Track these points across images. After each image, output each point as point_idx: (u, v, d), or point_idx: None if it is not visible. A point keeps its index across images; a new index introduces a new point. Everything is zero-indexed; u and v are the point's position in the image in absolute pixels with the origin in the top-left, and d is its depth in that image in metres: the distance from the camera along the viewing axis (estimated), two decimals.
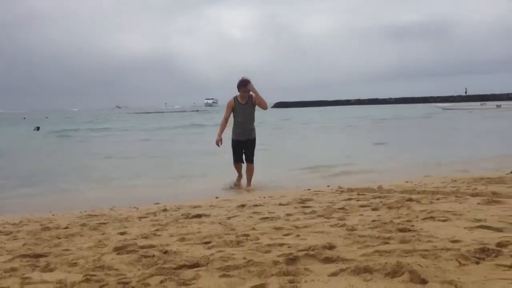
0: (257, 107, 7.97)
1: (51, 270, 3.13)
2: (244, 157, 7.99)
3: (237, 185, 8.06)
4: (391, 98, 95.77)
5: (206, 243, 3.71)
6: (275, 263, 2.91)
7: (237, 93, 7.95)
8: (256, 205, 5.65)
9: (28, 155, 16.25)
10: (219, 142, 7.80)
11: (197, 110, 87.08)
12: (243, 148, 7.94)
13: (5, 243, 4.19)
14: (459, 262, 2.69)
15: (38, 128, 34.14)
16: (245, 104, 7.87)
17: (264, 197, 6.37)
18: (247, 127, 7.93)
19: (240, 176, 8.13)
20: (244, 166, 8.08)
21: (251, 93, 7.84)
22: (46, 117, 67.94)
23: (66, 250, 3.74)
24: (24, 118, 64.99)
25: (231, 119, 8.00)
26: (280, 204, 5.61)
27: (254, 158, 7.98)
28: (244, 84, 7.78)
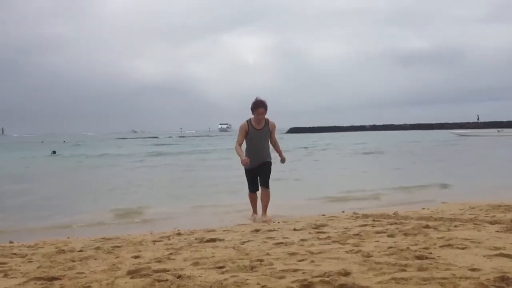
0: None
1: None
2: (260, 181, 7.08)
3: (253, 219, 7.16)
4: (406, 124, 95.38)
5: (220, 267, 3.68)
6: None
7: (250, 115, 7.07)
8: (270, 230, 5.61)
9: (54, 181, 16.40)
10: (246, 161, 6.80)
11: (210, 135, 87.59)
12: (258, 173, 7.09)
13: (20, 266, 4.20)
14: None
15: (54, 152, 34.59)
16: (260, 130, 7.01)
17: (279, 222, 6.33)
18: (261, 154, 7.06)
19: (254, 211, 7.27)
20: (258, 194, 7.23)
21: (267, 116, 7.04)
22: (64, 141, 68.77)
23: (80, 273, 3.74)
24: (42, 142, 65.92)
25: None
26: (294, 230, 5.57)
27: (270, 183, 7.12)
28: (259, 106, 6.86)
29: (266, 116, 7.04)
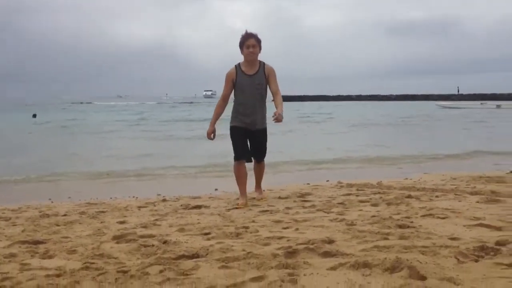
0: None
1: (50, 257, 3.14)
2: (252, 152, 5.47)
3: (240, 205, 5.15)
4: (392, 95, 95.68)
5: (206, 234, 3.72)
6: (274, 255, 2.92)
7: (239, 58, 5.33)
8: (254, 198, 5.65)
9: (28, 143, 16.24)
10: (211, 134, 5.38)
11: (191, 102, 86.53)
12: (250, 141, 5.40)
13: (4, 229, 4.19)
14: (458, 260, 2.69)
15: (35, 116, 34.17)
16: (253, 75, 5.25)
17: (264, 190, 6.36)
18: (256, 111, 5.29)
19: (242, 193, 5.34)
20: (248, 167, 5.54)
21: (261, 60, 5.32)
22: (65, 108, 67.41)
23: (65, 237, 3.75)
24: (26, 105, 64.89)
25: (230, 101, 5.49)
26: (279, 198, 5.62)
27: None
28: (248, 36, 5.21)
29: (261, 59, 5.34)
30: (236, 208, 5.06)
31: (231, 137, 5.35)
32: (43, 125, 25.71)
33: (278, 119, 4.98)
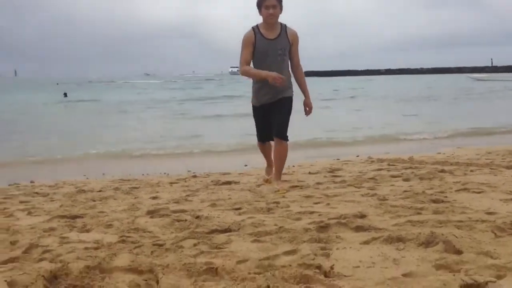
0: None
1: (87, 231, 3.23)
2: (273, 127, 4.69)
3: (267, 181, 5.03)
4: (422, 68, 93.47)
5: (237, 209, 3.75)
6: (306, 230, 2.93)
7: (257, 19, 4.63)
8: (285, 174, 5.64)
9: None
10: (278, 76, 4.41)
11: (212, 79, 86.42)
12: (271, 115, 4.69)
13: (42, 204, 4.33)
14: (495, 234, 2.64)
15: (65, 95, 34.87)
16: (274, 40, 4.58)
17: (293, 166, 6.37)
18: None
19: (269, 165, 5.13)
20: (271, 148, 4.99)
21: (282, 23, 4.64)
22: (57, 84, 68.53)
23: (101, 212, 3.85)
24: (57, 84, 66.29)
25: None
26: (309, 173, 5.61)
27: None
28: None
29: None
30: (265, 182, 4.98)
31: (253, 116, 4.94)
32: (74, 104, 26.22)
33: (310, 111, 4.75)
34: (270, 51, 4.55)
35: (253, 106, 4.88)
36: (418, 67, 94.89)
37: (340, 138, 10.21)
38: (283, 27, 4.64)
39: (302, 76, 4.78)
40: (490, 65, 78.27)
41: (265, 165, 5.26)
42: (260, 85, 4.65)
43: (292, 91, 4.73)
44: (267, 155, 5.13)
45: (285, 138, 4.62)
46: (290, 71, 4.76)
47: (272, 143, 4.83)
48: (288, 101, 4.67)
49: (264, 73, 4.45)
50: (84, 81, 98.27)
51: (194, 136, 11.26)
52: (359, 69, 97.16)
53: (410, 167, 5.64)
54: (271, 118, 4.68)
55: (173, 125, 14.71)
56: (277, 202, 3.91)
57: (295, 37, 4.69)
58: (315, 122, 14.09)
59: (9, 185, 5.64)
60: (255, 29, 4.61)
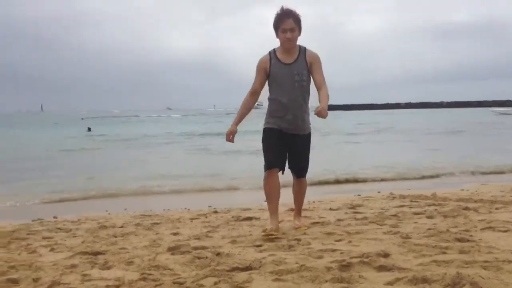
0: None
1: (109, 268, 3.24)
2: (290, 165, 4.35)
3: (269, 232, 4.05)
4: (443, 102, 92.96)
5: (258, 246, 3.73)
6: (328, 269, 2.89)
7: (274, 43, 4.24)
8: (305, 209, 5.61)
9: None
10: (230, 135, 4.29)
11: (232, 113, 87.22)
12: (287, 147, 4.25)
13: (65, 240, 4.37)
14: None
15: (89, 129, 35.52)
16: (292, 64, 4.17)
17: (314, 202, 6.33)
18: (296, 110, 4.18)
19: (273, 215, 4.28)
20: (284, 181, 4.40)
21: (301, 45, 4.24)
22: (82, 119, 69.94)
23: (123, 248, 3.87)
24: (82, 119, 67.81)
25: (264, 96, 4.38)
26: (330, 209, 5.56)
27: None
28: (284, 16, 4.10)
29: (302, 43, 4.22)
30: (265, 236, 3.99)
31: (263, 141, 4.25)
32: (98, 138, 26.69)
33: (321, 113, 3.87)
34: (286, 77, 4.13)
35: (267, 129, 4.25)
36: (438, 100, 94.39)
37: (361, 173, 10.12)
38: (302, 50, 4.20)
39: (324, 95, 4.08)
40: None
41: (268, 215, 4.34)
42: (281, 111, 4.17)
43: (310, 127, 4.34)
44: (273, 197, 4.24)
45: (304, 176, 4.44)
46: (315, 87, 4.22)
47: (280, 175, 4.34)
48: (306, 138, 4.31)
49: (233, 123, 4.27)
50: (109, 115, 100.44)
51: (214, 171, 11.30)
52: (378, 103, 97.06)
53: (433, 204, 5.55)
54: (289, 155, 4.29)
55: (193, 160, 14.82)
56: (298, 239, 3.88)
57: (315, 57, 4.20)
58: (338, 156, 14.07)
59: (32, 220, 5.72)
60: (272, 53, 4.23)
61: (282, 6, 4.11)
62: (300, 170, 4.39)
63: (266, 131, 4.26)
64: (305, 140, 4.31)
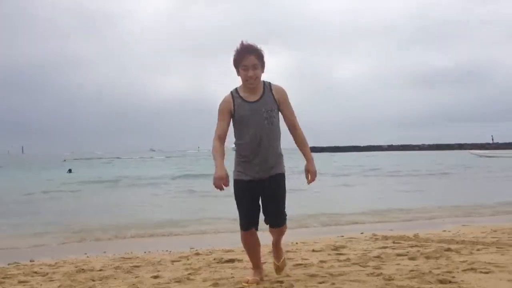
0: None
1: None
2: (263, 211, 3.84)
3: (250, 283, 3.84)
4: (424, 145, 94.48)
5: None
6: None
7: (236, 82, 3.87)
8: (288, 251, 5.57)
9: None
10: (221, 180, 3.58)
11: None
12: (260, 196, 3.80)
13: (41, 285, 4.25)
14: None
15: (70, 171, 35.08)
16: (257, 101, 3.78)
17: (297, 243, 6.28)
18: (266, 152, 3.76)
19: (255, 268, 4.01)
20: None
21: (265, 81, 3.86)
22: (64, 160, 69.26)
23: None
24: (64, 161, 67.10)
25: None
26: (313, 251, 5.52)
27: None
28: (244, 51, 3.71)
29: (266, 78, 3.86)
30: (244, 286, 3.79)
31: (235, 195, 3.81)
32: (77, 180, 26.27)
33: (311, 176, 3.77)
34: (254, 115, 3.71)
35: (237, 181, 3.77)
36: (420, 143, 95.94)
37: (344, 214, 10.12)
38: (267, 85, 3.82)
39: (301, 135, 3.85)
40: (491, 141, 79.24)
41: (251, 268, 4.05)
42: (250, 155, 3.74)
43: (283, 166, 3.88)
44: (254, 252, 3.94)
45: (282, 225, 3.89)
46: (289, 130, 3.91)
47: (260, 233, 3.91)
48: (280, 179, 3.79)
49: (219, 166, 3.56)
50: (92, 156, 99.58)
51: (196, 213, 11.20)
52: (361, 145, 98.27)
53: (416, 245, 5.56)
54: (263, 201, 3.79)
55: (172, 202, 14.67)
56: (281, 282, 3.83)
57: (282, 92, 3.83)
58: (321, 198, 14.07)
59: (8, 264, 5.55)
60: (234, 93, 3.82)
61: (242, 42, 3.73)
62: (274, 217, 3.80)
63: (236, 184, 3.79)
64: (277, 181, 3.77)
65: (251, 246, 3.93)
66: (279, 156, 3.86)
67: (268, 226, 3.90)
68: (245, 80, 3.73)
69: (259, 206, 3.81)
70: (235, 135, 3.87)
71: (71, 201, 15.70)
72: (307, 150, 3.87)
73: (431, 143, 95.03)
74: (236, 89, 3.86)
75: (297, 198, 11.97)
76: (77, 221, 10.08)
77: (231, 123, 3.83)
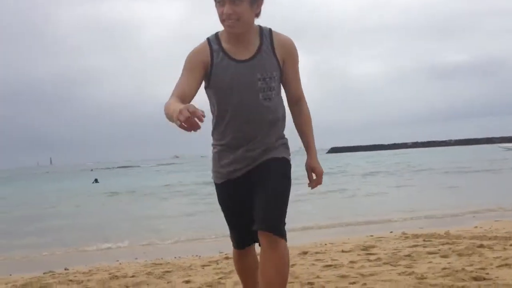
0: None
1: None
2: (255, 217, 2.36)
3: None
4: (450, 140, 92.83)
5: None
6: None
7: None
8: (317, 252, 5.56)
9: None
10: (185, 109, 1.87)
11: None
12: (252, 194, 2.43)
13: None
14: None
15: (96, 181, 35.61)
16: (248, 60, 2.39)
17: (326, 244, 6.27)
18: (256, 144, 2.45)
19: None
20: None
21: (263, 26, 2.47)
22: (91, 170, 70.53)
23: None
24: (92, 170, 68.43)
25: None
26: (342, 251, 5.50)
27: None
28: None
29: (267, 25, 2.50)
30: None
31: (219, 203, 2.68)
32: (104, 189, 26.62)
33: (319, 181, 2.56)
34: (242, 84, 2.37)
35: (217, 185, 2.62)
36: (446, 139, 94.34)
37: (372, 213, 10.05)
38: (265, 35, 2.45)
39: (305, 117, 2.56)
40: None
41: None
42: (222, 145, 2.49)
43: (288, 150, 2.55)
44: (247, 276, 2.71)
45: (281, 233, 2.33)
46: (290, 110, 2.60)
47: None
48: (280, 164, 2.46)
49: (171, 109, 2.07)
50: (118, 165, 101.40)
51: (221, 218, 11.26)
52: (385, 143, 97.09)
53: (447, 243, 5.48)
54: (255, 198, 2.41)
55: (198, 208, 14.78)
56: (312, 283, 3.84)
57: (289, 47, 2.48)
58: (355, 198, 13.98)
59: (44, 273, 5.69)
60: (212, 40, 2.43)
61: None
62: (271, 222, 2.32)
63: (218, 190, 2.63)
64: (277, 165, 2.45)
65: (248, 267, 2.69)
66: (281, 137, 2.54)
67: (262, 244, 2.35)
68: (221, 21, 2.34)
69: (250, 218, 2.40)
70: (211, 107, 2.50)
71: (99, 210, 15.99)
72: (311, 139, 2.56)
73: (457, 138, 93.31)
74: (216, 34, 2.45)
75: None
76: (107, 229, 10.26)
77: (200, 84, 2.42)
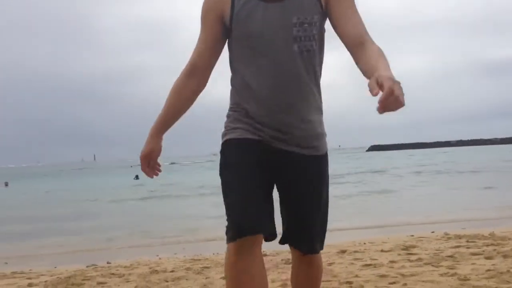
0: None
1: None
2: (284, 225, 2.06)
3: None
4: (496, 139, 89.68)
5: None
6: None
7: None
8: (356, 251, 5.49)
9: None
10: (146, 157, 2.07)
11: None
12: (280, 186, 1.96)
13: (118, 285, 4.46)
14: None
15: (137, 177, 36.23)
16: (278, 1, 1.76)
17: (365, 243, 6.18)
18: (293, 100, 1.83)
19: None
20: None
21: None
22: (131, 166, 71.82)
23: None
24: (131, 167, 70.03)
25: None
26: (382, 251, 5.41)
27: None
28: None
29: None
30: None
31: (221, 174, 1.93)
32: (145, 186, 27.16)
33: (397, 99, 1.38)
34: (273, 31, 1.80)
35: (229, 143, 1.92)
36: (492, 137, 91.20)
37: (413, 213, 9.84)
38: None
39: (373, 51, 1.71)
40: None
41: None
42: (263, 104, 1.86)
43: (325, 142, 2.00)
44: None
45: (317, 250, 2.08)
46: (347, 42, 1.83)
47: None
48: (322, 169, 1.99)
49: (152, 132, 2.08)
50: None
51: None
52: (428, 141, 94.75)
53: (492, 244, 5.30)
54: (282, 200, 2.02)
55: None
56: (350, 282, 3.79)
57: None
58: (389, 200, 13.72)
59: (87, 266, 5.88)
60: None
61: None
62: (306, 238, 2.04)
63: (228, 150, 1.93)
64: (316, 169, 1.96)
65: (244, 280, 1.79)
66: (317, 119, 1.95)
67: (293, 261, 2.21)
68: None
69: (262, 195, 1.84)
70: (231, 67, 1.97)
71: (140, 206, 16.36)
72: (383, 61, 1.65)
73: (503, 136, 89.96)
74: None
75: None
76: (147, 225, 10.49)
77: (224, 44, 1.96)
